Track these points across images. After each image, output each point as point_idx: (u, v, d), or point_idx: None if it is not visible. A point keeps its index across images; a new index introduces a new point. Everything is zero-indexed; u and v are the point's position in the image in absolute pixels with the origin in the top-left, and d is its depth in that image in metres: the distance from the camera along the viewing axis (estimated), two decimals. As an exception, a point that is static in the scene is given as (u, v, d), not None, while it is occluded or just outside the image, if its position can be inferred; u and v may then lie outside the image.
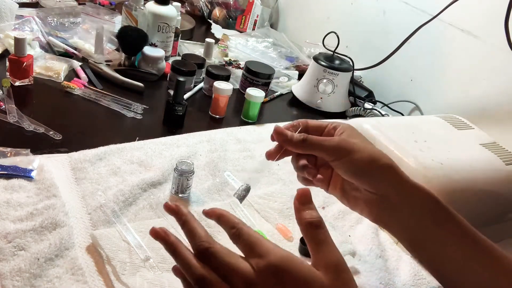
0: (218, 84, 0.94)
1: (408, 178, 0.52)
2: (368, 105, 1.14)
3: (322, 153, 0.52)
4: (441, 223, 0.51)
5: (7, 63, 0.85)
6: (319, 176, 0.55)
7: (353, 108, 1.11)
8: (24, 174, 0.63)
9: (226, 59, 1.22)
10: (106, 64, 1.01)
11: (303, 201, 0.45)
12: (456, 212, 0.51)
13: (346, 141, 0.52)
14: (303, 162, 0.55)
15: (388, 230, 0.56)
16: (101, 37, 1.02)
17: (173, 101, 0.86)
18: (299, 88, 1.14)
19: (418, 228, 0.51)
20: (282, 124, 0.56)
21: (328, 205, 0.76)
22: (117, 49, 1.08)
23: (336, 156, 0.51)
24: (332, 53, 1.12)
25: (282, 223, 0.69)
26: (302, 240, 0.64)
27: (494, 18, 0.90)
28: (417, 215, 0.51)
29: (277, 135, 0.54)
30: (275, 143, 0.55)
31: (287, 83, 1.22)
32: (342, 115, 1.13)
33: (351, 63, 1.12)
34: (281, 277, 0.39)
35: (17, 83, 0.86)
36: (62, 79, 0.93)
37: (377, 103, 1.18)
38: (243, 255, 0.41)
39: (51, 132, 0.75)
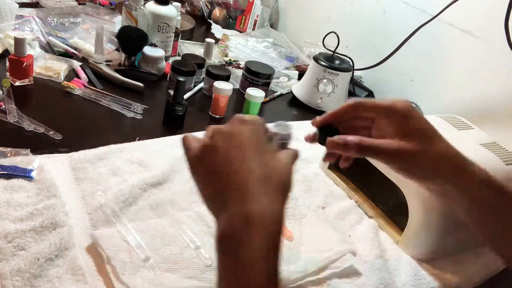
0: (218, 84, 0.94)
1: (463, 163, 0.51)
2: (368, 105, 1.14)
3: (378, 158, 0.50)
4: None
5: (7, 63, 0.85)
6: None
7: (353, 108, 1.11)
8: (24, 174, 0.63)
9: (226, 59, 1.22)
10: (106, 64, 1.01)
11: None
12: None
13: (405, 147, 0.48)
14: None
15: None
16: (101, 37, 1.02)
17: (173, 101, 0.86)
18: (299, 88, 1.15)
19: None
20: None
21: (328, 205, 0.76)
22: (117, 49, 1.08)
23: (396, 162, 0.50)
24: (332, 53, 1.12)
25: (282, 223, 0.69)
26: (320, 129, 0.55)
27: (494, 18, 0.90)
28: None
29: (332, 146, 0.51)
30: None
31: (287, 83, 1.22)
32: (342, 115, 1.13)
33: (351, 63, 1.12)
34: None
35: (17, 83, 0.86)
36: (62, 79, 0.93)
37: (377, 103, 1.18)
38: None
39: (51, 132, 0.75)
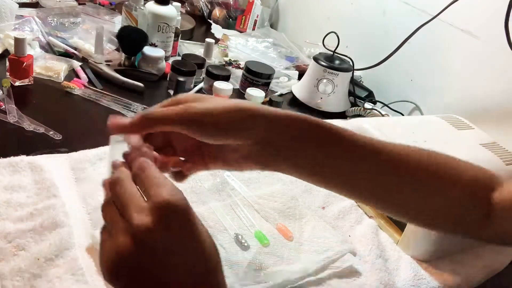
0: (218, 84, 0.94)
1: (277, 112, 0.46)
2: (368, 105, 1.14)
3: (174, 126, 0.43)
4: (324, 144, 0.49)
5: (7, 63, 0.85)
6: (187, 164, 0.50)
7: (353, 108, 1.11)
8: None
9: (226, 59, 1.22)
10: (106, 64, 1.01)
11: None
12: (340, 129, 0.50)
13: (193, 106, 0.43)
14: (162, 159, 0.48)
15: (284, 172, 0.50)
16: (101, 37, 1.02)
17: (173, 101, 0.86)
18: (299, 88, 1.15)
19: (307, 158, 0.48)
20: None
21: (328, 205, 0.76)
22: (117, 49, 1.08)
23: (191, 124, 0.43)
24: (332, 53, 1.12)
25: (282, 223, 0.69)
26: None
27: (494, 18, 0.90)
28: (302, 147, 0.48)
29: (115, 129, 0.44)
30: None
31: (287, 83, 1.22)
32: (342, 115, 1.13)
33: (351, 63, 1.12)
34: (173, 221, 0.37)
35: (17, 83, 0.86)
36: (62, 79, 0.93)
37: (377, 103, 1.18)
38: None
39: (51, 132, 0.75)
